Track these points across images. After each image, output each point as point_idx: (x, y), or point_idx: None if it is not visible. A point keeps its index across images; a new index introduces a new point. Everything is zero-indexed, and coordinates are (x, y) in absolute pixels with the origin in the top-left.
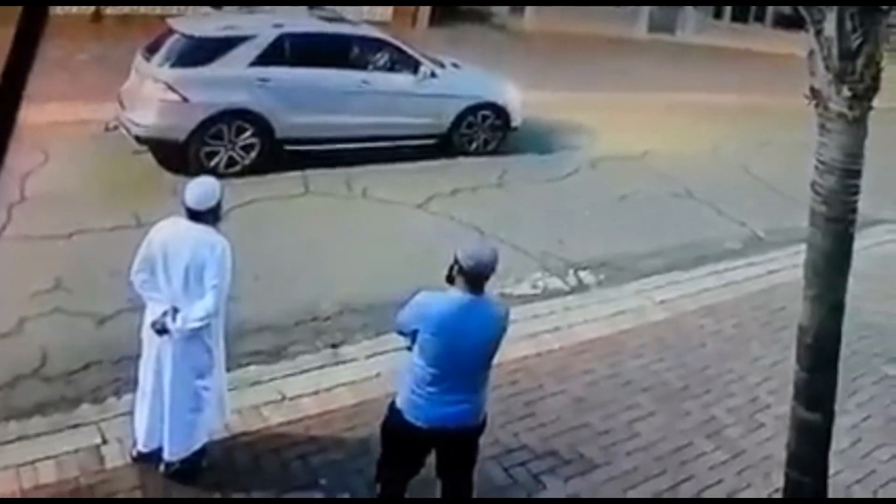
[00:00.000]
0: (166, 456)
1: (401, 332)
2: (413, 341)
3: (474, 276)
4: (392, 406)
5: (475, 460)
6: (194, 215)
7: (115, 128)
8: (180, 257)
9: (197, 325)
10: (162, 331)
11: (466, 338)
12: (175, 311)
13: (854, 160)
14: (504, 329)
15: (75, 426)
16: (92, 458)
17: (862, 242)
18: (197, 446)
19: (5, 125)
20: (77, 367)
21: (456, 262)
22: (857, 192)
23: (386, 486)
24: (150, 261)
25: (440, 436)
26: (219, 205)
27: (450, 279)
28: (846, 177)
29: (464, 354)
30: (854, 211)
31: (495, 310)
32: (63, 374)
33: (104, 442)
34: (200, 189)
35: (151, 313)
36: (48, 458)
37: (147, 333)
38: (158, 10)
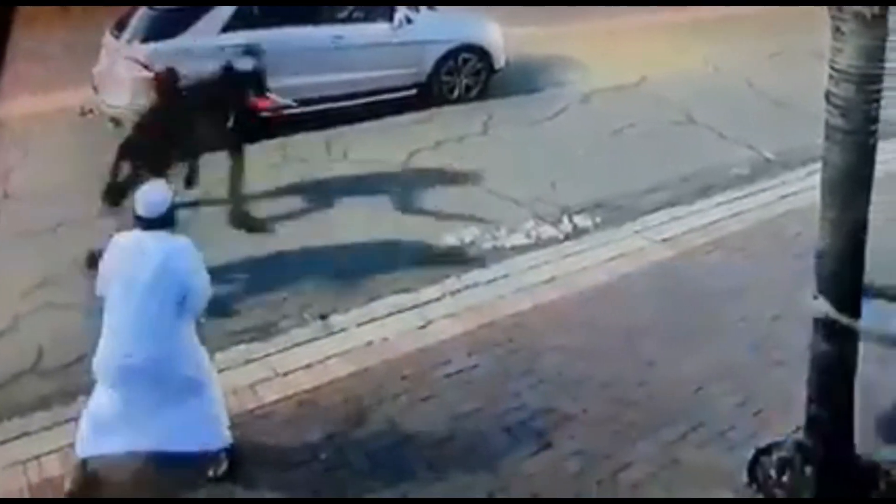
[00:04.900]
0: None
1: None
2: None
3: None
4: None
5: None
6: (148, 224)
7: (91, 111)
8: (144, 272)
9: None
10: None
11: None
12: None
13: (874, 64)
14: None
15: (75, 419)
16: None
17: (884, 155)
18: None
19: None
20: (72, 359)
21: None
22: (878, 100)
23: None
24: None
25: None
26: (172, 209)
27: None
28: (865, 83)
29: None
30: (875, 121)
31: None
32: (59, 367)
33: None
34: (151, 195)
35: None
36: (52, 451)
37: None
38: None
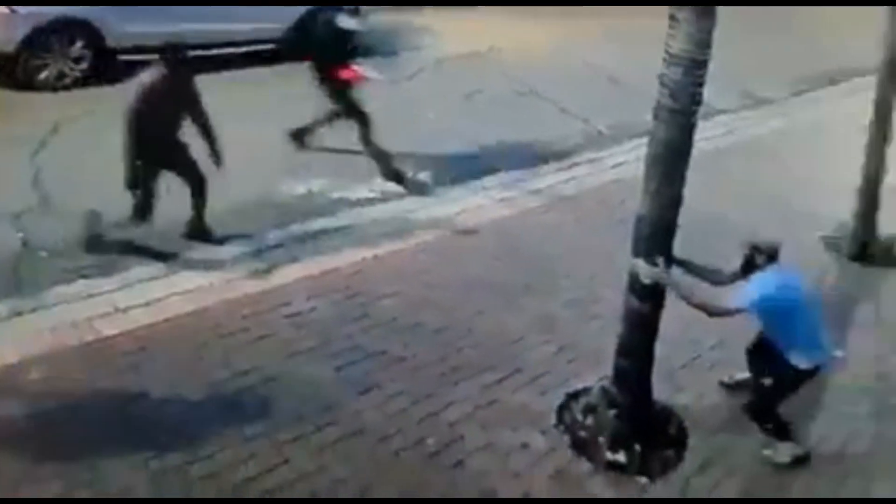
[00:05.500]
0: None
1: None
2: None
3: None
4: None
5: None
6: None
7: None
8: None
9: None
10: None
11: None
12: None
13: (702, 51)
14: None
15: None
16: None
17: (702, 134)
18: None
19: None
20: None
21: None
22: (702, 83)
23: None
24: None
25: None
26: None
27: None
28: (693, 68)
29: None
30: (699, 103)
31: None
32: None
33: None
34: None
35: None
36: None
37: None
38: None
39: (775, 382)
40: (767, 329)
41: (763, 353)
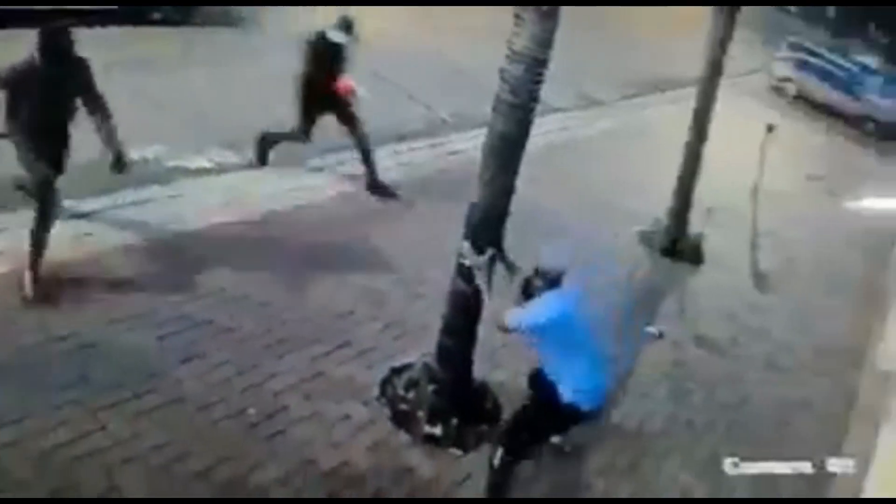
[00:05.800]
0: None
1: None
2: None
3: None
4: None
5: None
6: None
7: None
8: None
9: None
10: None
11: None
12: None
13: (543, 50)
14: None
15: None
16: None
17: (538, 129)
18: None
19: None
20: None
21: None
22: (541, 81)
23: None
24: None
25: None
26: None
27: None
28: (534, 65)
29: None
30: (536, 99)
31: None
32: None
33: None
34: None
35: None
36: None
37: None
38: None
39: (542, 416)
40: (543, 357)
41: (539, 382)
